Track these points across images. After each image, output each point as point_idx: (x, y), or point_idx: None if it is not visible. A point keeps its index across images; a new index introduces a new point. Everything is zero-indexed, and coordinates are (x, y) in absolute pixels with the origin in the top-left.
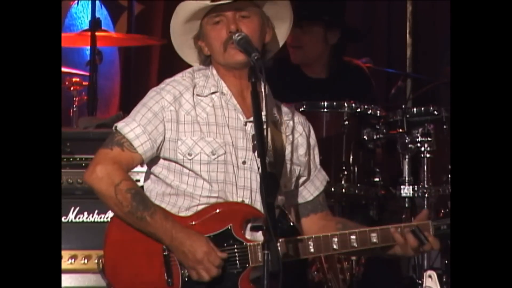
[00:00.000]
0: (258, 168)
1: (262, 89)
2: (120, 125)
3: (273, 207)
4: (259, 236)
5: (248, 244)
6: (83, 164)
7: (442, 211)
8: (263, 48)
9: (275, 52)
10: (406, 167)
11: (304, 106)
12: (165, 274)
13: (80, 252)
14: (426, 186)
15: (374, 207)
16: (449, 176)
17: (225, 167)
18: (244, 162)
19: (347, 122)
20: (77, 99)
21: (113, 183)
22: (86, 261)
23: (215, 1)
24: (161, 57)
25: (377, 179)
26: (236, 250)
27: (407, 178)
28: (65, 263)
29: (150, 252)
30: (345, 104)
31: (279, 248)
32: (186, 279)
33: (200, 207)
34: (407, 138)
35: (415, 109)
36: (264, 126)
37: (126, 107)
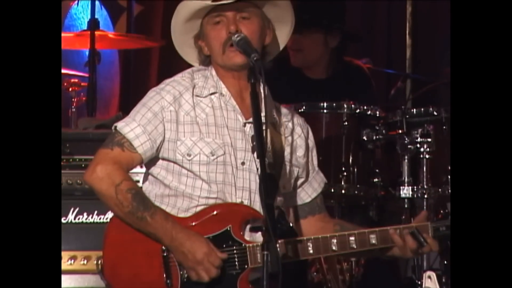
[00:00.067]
0: (257, 169)
1: (262, 90)
2: (120, 125)
3: (273, 208)
4: (258, 237)
5: (247, 245)
6: (83, 165)
7: (441, 212)
8: (263, 50)
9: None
10: (406, 168)
11: (304, 107)
12: (164, 275)
13: (79, 253)
14: (425, 187)
15: (374, 208)
16: (449, 177)
17: (224, 168)
18: (243, 163)
19: (346, 123)
20: (75, 100)
21: (113, 183)
22: (85, 261)
23: (216, 1)
24: (160, 57)
25: (376, 180)
26: (235, 251)
27: (406, 179)
28: (65, 264)
29: (149, 252)
30: (345, 105)
31: (278, 249)
32: (185, 280)
33: (199, 208)
34: (406, 138)
35: (414, 110)
36: (263, 127)
37: (126, 107)
